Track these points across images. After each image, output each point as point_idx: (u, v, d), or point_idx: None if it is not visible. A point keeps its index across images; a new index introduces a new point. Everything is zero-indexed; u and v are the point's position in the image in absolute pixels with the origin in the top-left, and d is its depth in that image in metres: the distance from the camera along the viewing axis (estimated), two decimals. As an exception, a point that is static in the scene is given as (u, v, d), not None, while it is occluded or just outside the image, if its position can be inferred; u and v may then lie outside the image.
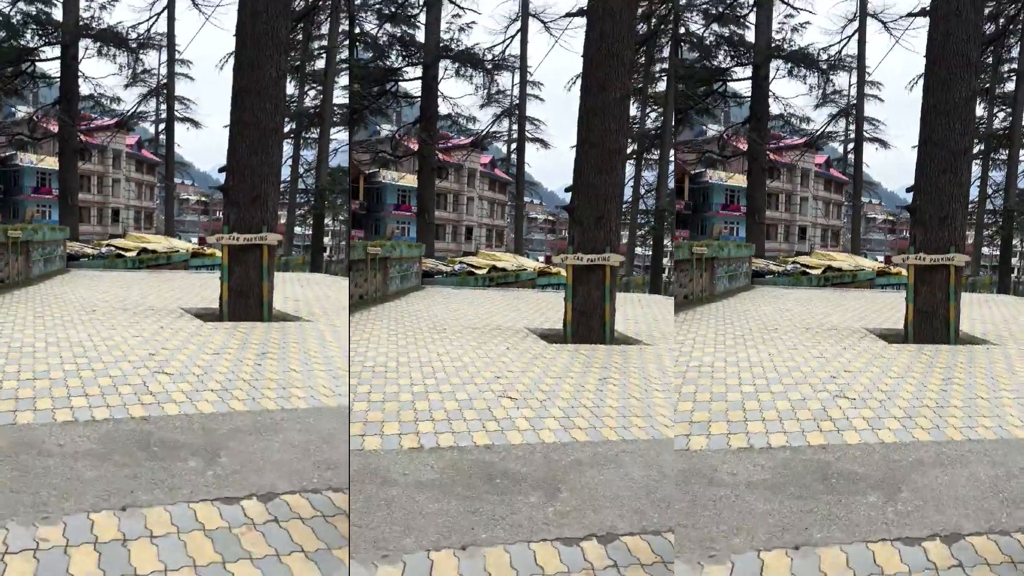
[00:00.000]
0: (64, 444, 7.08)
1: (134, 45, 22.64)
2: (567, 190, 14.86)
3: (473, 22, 22.59)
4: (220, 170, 15.36)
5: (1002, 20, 21.12)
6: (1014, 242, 22.35)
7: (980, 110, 21.59)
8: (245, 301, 14.87)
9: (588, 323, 14.32)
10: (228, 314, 14.69)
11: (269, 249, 14.99)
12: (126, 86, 22.87)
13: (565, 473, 7.12)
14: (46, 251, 19.63)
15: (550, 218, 24.96)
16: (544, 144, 23.65)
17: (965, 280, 20.38)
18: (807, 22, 22.47)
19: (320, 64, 23.50)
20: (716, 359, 11.72)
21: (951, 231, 14.38)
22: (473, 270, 22.90)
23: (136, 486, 6.26)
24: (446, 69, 22.75)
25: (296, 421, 8.34)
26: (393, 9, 22.12)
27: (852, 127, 23.41)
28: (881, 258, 23.56)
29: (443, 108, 22.85)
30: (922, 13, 14.46)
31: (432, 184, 23.24)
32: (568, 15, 22.02)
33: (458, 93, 23.49)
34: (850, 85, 22.90)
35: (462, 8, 22.52)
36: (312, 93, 23.64)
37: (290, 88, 22.49)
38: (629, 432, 8.38)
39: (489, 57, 22.80)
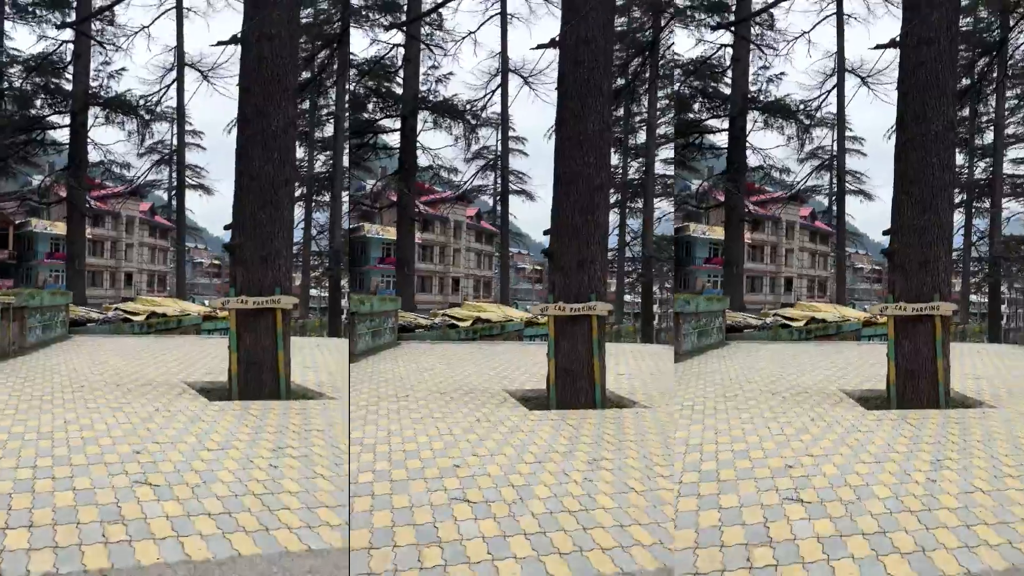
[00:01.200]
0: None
1: (143, 112, 21.22)
2: (546, 232, 12.39)
3: (451, 73, 21.19)
4: (226, 227, 12.53)
5: (976, 73, 19.90)
6: (1001, 289, 20.65)
7: (960, 159, 20.54)
8: (258, 374, 11.90)
9: (574, 383, 11.62)
10: (238, 390, 11.81)
11: (283, 313, 12.02)
12: (140, 155, 21.51)
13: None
14: (45, 317, 16.97)
15: (537, 268, 23.28)
16: (529, 196, 22.05)
17: (954, 328, 17.85)
18: (783, 73, 21.07)
19: (329, 129, 21.87)
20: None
21: (934, 276, 11.51)
22: (456, 322, 20.86)
23: None
24: (425, 121, 21.34)
25: (334, 568, 5.37)
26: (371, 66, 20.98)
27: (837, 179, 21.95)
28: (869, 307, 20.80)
29: (423, 160, 21.52)
30: (892, 44, 11.09)
31: (412, 235, 21.87)
32: (540, 46, 20.35)
33: (438, 144, 22.16)
34: (833, 140, 21.49)
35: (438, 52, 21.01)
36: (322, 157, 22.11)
37: (301, 152, 21.67)
38: (631, 560, 5.67)
39: (468, 108, 21.29)
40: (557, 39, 12.30)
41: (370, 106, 21.28)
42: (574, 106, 11.72)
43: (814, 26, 20.57)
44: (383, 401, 11.23)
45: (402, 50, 21.00)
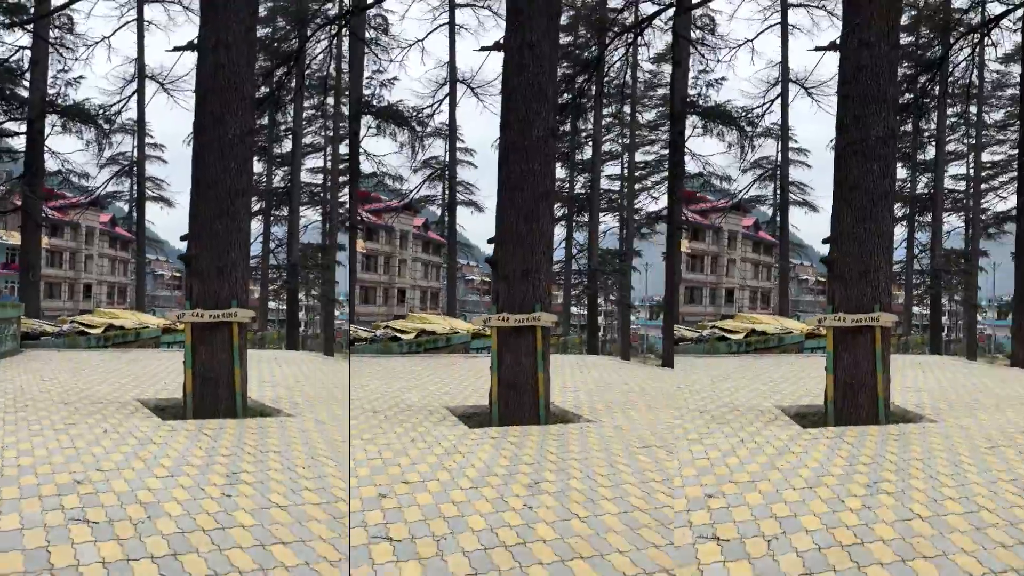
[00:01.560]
0: None
1: (102, 122, 20.55)
2: (490, 241, 11.56)
3: (395, 78, 20.66)
4: (182, 238, 11.73)
5: (917, 89, 19.62)
6: (943, 301, 20.58)
7: (903, 173, 20.70)
8: (214, 391, 11.08)
9: (518, 398, 10.85)
10: (193, 408, 10.99)
11: (240, 327, 11.27)
12: (100, 166, 20.91)
13: None
14: (-8, 330, 15.15)
15: (486, 279, 22.86)
16: (478, 207, 21.64)
17: (897, 340, 17.45)
18: (723, 78, 20.72)
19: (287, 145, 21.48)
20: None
21: (874, 287, 10.82)
22: (398, 335, 19.98)
23: None
24: (368, 126, 20.68)
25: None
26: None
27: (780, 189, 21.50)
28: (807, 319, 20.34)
29: (366, 166, 20.82)
30: (832, 47, 10.44)
31: (38, 240, 20.71)
32: (484, 49, 20.12)
33: (382, 151, 22.14)
34: (777, 151, 21.12)
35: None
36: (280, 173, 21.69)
37: (259, 166, 21.37)
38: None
39: (415, 115, 20.77)
40: (502, 42, 11.68)
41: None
42: (519, 111, 11.11)
43: (757, 34, 20.32)
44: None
45: (28, 52, 20.26)
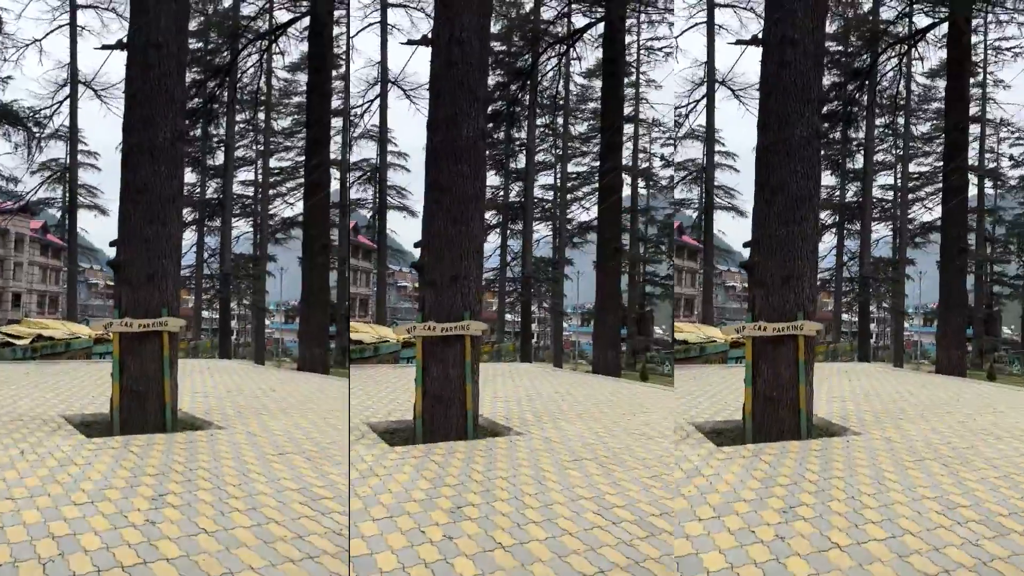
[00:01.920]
0: None
1: (31, 125, 19.56)
2: (416, 245, 10.94)
3: (10, 76, 19.38)
4: (112, 243, 11.13)
5: (846, 97, 19.77)
6: (871, 308, 20.41)
7: (832, 180, 20.55)
8: (142, 404, 10.55)
9: (445, 412, 10.15)
10: (120, 423, 10.43)
11: (170, 337, 10.72)
12: (32, 172, 19.93)
13: None
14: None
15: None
16: (411, 213, 20.74)
17: (826, 347, 17.42)
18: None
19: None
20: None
21: (797, 293, 10.08)
22: (10, 340, 18.66)
23: None
24: None
25: None
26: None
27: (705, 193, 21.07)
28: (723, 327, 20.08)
29: None
30: (754, 41, 10.09)
31: None
32: (411, 42, 19.16)
33: None
34: (703, 154, 20.55)
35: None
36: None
37: (193, 177, 20.70)
38: None
39: (31, 115, 19.57)
40: (430, 36, 10.99)
41: None
42: (447, 109, 10.47)
43: (682, 32, 20.00)
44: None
45: None
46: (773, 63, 10.37)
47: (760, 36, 10.76)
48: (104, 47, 18.40)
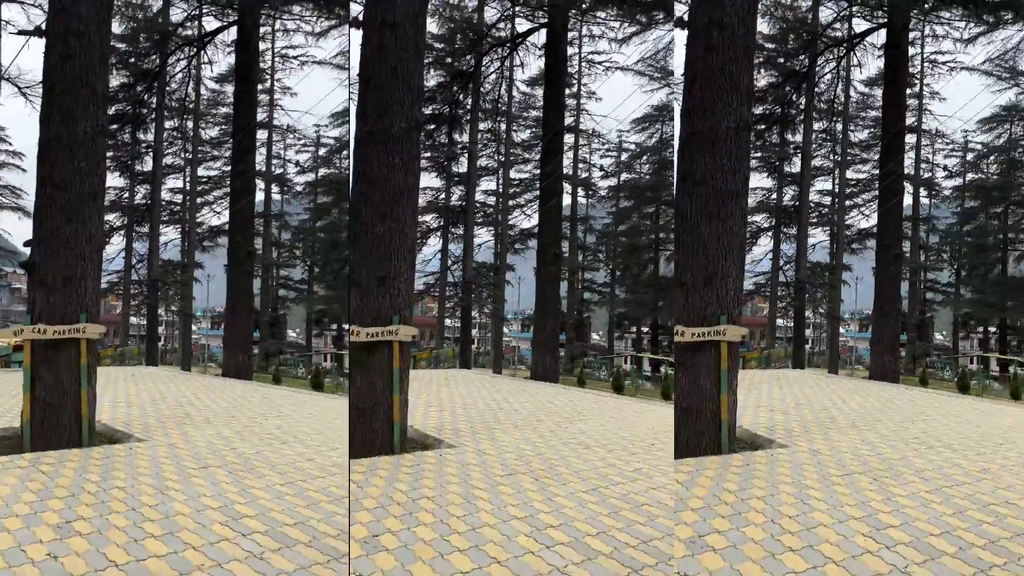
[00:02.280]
0: None
1: None
2: (26, 244, 10.23)
3: None
4: (25, 243, 10.41)
5: (783, 99, 19.64)
6: (806, 314, 20.17)
7: (769, 183, 20.43)
8: (56, 418, 9.81)
9: (368, 425, 9.54)
10: (32, 439, 9.68)
11: (89, 345, 9.95)
12: None
13: None
14: None
15: None
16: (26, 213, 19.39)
17: (759, 354, 17.41)
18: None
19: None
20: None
21: (720, 295, 9.34)
22: None
23: None
24: None
25: None
26: None
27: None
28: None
29: None
30: (680, 24, 9.69)
31: None
32: (23, 33, 17.60)
33: None
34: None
35: None
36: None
37: (121, 182, 19.79)
38: None
39: None
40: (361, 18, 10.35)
41: None
42: (378, 95, 9.79)
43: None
44: None
45: None
46: (699, 46, 9.58)
47: (685, 19, 10.02)
48: (21, 32, 17.63)
